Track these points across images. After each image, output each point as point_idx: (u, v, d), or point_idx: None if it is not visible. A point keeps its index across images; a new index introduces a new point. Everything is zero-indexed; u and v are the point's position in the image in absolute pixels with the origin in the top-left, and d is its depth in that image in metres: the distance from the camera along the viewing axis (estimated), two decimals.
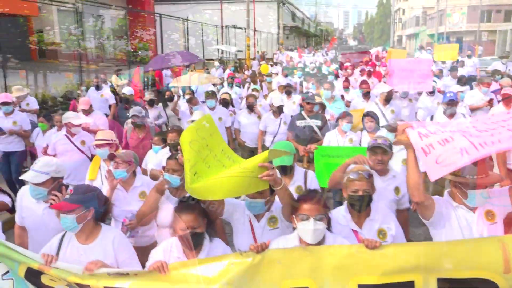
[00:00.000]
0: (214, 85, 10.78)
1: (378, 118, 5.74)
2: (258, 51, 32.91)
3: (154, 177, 4.75)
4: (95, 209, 2.89)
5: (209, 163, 2.66)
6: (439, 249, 2.44)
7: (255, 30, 34.17)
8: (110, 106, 9.51)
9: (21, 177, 3.49)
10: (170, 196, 3.57)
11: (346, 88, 10.07)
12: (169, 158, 3.60)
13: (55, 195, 3.22)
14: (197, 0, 37.80)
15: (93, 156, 5.77)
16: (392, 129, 4.82)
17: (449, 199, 2.96)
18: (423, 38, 63.00)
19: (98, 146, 4.59)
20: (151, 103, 7.91)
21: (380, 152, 3.79)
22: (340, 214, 3.08)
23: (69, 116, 5.80)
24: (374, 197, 3.27)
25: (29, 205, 3.45)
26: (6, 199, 3.76)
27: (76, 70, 14.21)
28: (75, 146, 5.67)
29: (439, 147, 2.43)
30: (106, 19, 29.43)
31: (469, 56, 17.27)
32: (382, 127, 5.63)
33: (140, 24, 25.04)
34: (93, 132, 6.94)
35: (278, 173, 2.69)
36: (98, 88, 9.80)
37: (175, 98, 8.22)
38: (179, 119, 7.63)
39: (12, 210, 3.81)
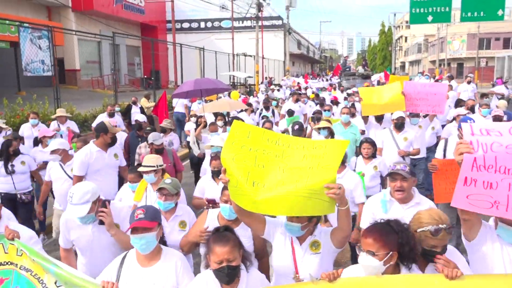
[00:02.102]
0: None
1: (375, 144, 5.78)
2: (266, 77, 34.42)
3: (198, 206, 4.78)
4: (159, 224, 2.89)
5: (262, 162, 2.56)
6: None
7: (263, 58, 35.78)
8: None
9: (65, 216, 3.49)
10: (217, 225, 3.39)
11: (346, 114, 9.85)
12: (226, 189, 3.22)
13: (102, 211, 3.32)
14: (211, 30, 39.88)
15: None
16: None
17: (493, 227, 2.70)
18: (425, 64, 64.59)
19: (144, 172, 4.57)
20: (164, 130, 8.05)
21: (400, 179, 3.56)
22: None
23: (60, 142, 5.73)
24: None
25: (76, 227, 3.42)
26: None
27: (96, 96, 15.37)
28: (66, 174, 5.54)
29: (481, 187, 2.34)
30: (122, 48, 31.24)
31: (469, 82, 18.27)
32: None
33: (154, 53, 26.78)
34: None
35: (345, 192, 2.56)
36: (111, 115, 9.87)
37: (202, 124, 8.38)
38: (196, 143, 7.84)
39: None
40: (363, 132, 8.20)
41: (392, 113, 7.28)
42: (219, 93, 11.21)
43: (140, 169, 4.61)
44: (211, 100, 12.41)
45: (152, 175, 4.54)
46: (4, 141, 6.21)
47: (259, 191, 2.49)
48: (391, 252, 2.38)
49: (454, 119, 7.98)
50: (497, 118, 7.44)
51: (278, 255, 2.93)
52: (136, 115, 8.50)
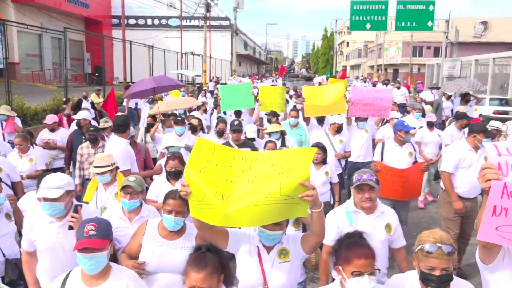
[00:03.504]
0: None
1: (327, 150, 5.65)
2: (213, 77, 34.90)
3: None
4: (111, 240, 2.64)
5: (230, 177, 2.47)
6: None
7: (211, 57, 36.23)
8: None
9: (37, 196, 3.27)
10: (160, 240, 3.09)
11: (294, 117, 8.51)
12: (170, 198, 3.03)
13: (73, 217, 3.10)
14: (158, 28, 39.65)
15: (12, 184, 5.23)
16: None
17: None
18: (365, 69, 68.06)
19: (98, 174, 4.32)
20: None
21: (367, 189, 3.34)
22: (408, 282, 2.52)
23: None
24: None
25: (40, 227, 3.23)
26: None
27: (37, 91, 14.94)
28: None
29: None
30: (63, 42, 30.36)
31: (398, 88, 19.87)
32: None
33: (97, 47, 26.33)
34: (59, 149, 7.33)
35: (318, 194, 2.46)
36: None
37: (157, 123, 8.13)
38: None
39: None
40: None
41: (331, 116, 7.44)
42: (175, 89, 11.24)
43: (94, 170, 4.34)
44: (159, 99, 12.45)
45: (108, 175, 4.32)
46: None
47: (229, 204, 2.40)
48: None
49: (387, 121, 8.64)
50: (430, 123, 8.14)
51: (245, 268, 2.77)
52: (77, 114, 7.85)
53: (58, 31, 13.56)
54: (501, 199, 2.05)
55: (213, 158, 2.54)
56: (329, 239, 3.32)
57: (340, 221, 3.48)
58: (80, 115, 7.56)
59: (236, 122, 6.68)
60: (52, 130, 7.53)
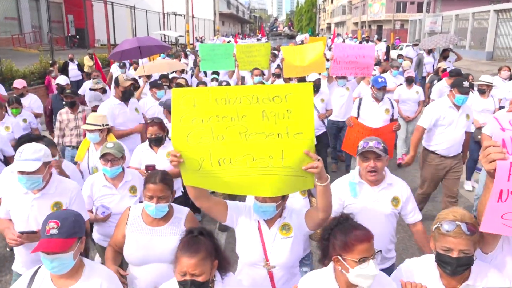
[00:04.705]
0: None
1: None
2: (196, 37, 34.64)
3: None
4: (80, 238, 2.29)
5: (220, 133, 2.23)
6: None
7: (193, 17, 35.77)
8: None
9: (11, 170, 3.02)
10: (145, 228, 2.86)
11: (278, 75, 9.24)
12: (150, 182, 2.82)
13: (19, 237, 2.94)
14: None
15: (6, 158, 5.04)
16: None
17: None
18: (349, 26, 67.66)
19: (88, 131, 4.39)
20: (104, 91, 7.75)
21: (373, 158, 3.03)
22: (423, 266, 2.31)
23: None
24: (371, 215, 2.95)
25: (16, 197, 3.08)
26: None
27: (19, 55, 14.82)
28: None
29: None
30: (42, 4, 29.50)
31: (376, 43, 20.22)
32: None
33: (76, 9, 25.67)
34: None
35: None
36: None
37: (142, 85, 7.85)
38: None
39: None
40: None
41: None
42: (161, 52, 11.07)
43: (85, 127, 4.43)
44: (134, 62, 12.01)
45: (97, 134, 4.40)
46: None
47: (228, 170, 2.26)
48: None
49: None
50: (409, 79, 8.28)
51: (245, 243, 2.62)
52: (58, 78, 7.55)
53: None
54: (508, 181, 1.80)
55: (196, 112, 2.25)
56: (333, 210, 3.24)
57: (342, 193, 3.18)
58: (62, 80, 7.29)
59: (225, 83, 6.76)
60: (21, 95, 7.26)
